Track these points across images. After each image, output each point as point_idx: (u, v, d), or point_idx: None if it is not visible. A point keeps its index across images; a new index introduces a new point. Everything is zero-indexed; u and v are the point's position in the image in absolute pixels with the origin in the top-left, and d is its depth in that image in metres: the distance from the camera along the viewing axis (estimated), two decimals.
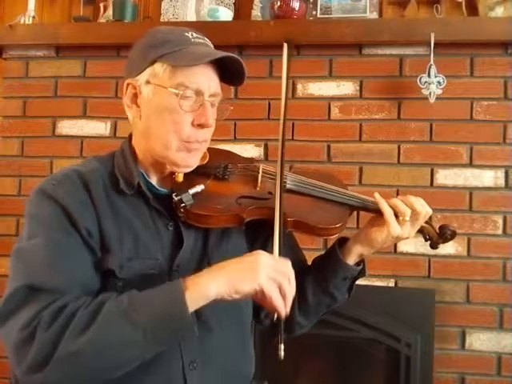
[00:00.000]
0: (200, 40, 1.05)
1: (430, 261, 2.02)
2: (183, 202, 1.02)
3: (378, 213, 1.12)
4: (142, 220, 1.04)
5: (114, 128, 2.22)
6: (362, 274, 1.18)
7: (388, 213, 1.09)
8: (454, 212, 2.03)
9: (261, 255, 0.92)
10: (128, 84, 1.05)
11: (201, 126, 1.03)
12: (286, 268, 0.93)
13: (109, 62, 2.22)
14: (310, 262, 1.26)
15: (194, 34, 1.05)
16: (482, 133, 2.03)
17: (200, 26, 2.12)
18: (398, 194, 2.05)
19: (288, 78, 1.09)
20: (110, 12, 2.26)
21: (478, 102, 2.04)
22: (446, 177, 2.05)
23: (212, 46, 1.09)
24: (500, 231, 2.01)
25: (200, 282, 0.89)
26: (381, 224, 1.11)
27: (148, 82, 1.02)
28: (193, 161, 1.07)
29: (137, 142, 1.09)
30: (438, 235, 1.17)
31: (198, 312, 1.03)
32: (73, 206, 0.98)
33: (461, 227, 2.02)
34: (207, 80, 1.03)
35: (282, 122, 1.09)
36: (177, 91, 1.00)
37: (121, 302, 0.89)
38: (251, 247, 1.16)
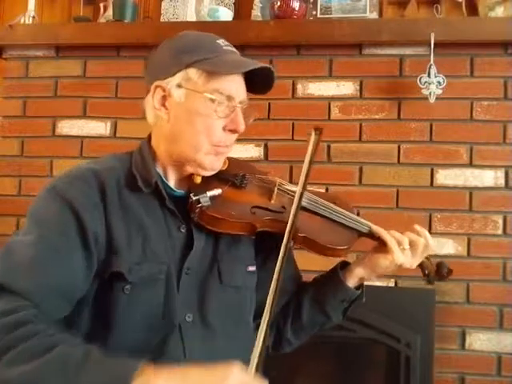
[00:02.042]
0: (230, 48, 1.08)
1: (429, 261, 2.02)
2: (200, 203, 1.03)
3: (383, 242, 1.15)
4: (155, 220, 1.04)
5: (114, 128, 2.22)
6: (360, 298, 1.19)
7: (391, 241, 1.12)
8: (453, 212, 2.03)
9: (234, 372, 0.79)
10: (157, 86, 1.05)
11: (233, 131, 1.06)
12: None
13: (109, 61, 2.22)
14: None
15: (225, 42, 1.08)
16: (482, 133, 2.03)
17: (200, 26, 2.13)
18: (398, 194, 2.05)
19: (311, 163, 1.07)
20: (110, 12, 2.26)
21: (478, 102, 2.04)
22: (445, 177, 2.05)
23: (239, 53, 1.11)
24: (500, 231, 2.01)
25: (149, 381, 0.79)
26: (385, 251, 1.13)
27: (180, 86, 1.03)
28: (218, 164, 1.10)
29: (158, 144, 1.10)
30: (435, 272, 1.21)
31: (202, 314, 1.04)
32: (83, 207, 0.98)
33: (461, 227, 2.02)
34: (239, 87, 1.06)
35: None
36: (213, 97, 1.02)
37: (74, 355, 0.82)
38: (255, 257, 1.17)
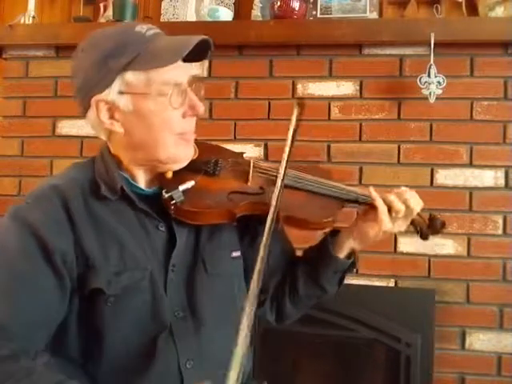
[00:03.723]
0: (153, 31, 1.00)
1: (430, 261, 2.02)
2: (173, 199, 1.00)
3: (370, 206, 1.13)
4: (129, 225, 1.01)
5: None
6: (352, 267, 1.18)
7: (382, 211, 1.10)
8: (453, 212, 2.03)
9: None
10: (97, 101, 0.98)
11: (194, 115, 1.02)
12: None
13: None
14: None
15: (145, 26, 0.99)
16: (482, 133, 2.03)
17: (200, 26, 2.13)
18: None
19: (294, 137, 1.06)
20: (110, 12, 2.26)
21: (478, 102, 2.04)
22: (445, 177, 2.05)
23: (163, 33, 1.03)
24: (500, 231, 2.01)
25: None
26: (373, 219, 1.11)
27: (121, 93, 0.97)
28: (191, 151, 1.06)
29: (119, 153, 1.05)
30: (427, 226, 1.19)
31: (193, 308, 1.04)
32: (45, 228, 0.94)
33: (461, 227, 2.02)
34: (181, 70, 0.99)
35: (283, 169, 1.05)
36: (162, 93, 0.97)
37: None
38: (240, 242, 1.16)
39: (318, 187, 1.13)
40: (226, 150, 1.20)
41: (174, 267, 1.03)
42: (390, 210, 1.10)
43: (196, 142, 1.09)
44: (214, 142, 1.20)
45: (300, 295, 1.19)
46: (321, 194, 1.13)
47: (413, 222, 1.17)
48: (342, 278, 1.19)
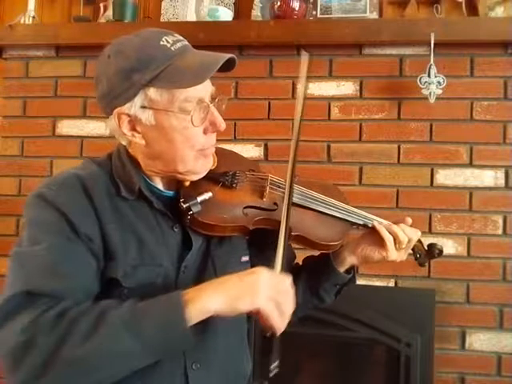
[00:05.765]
0: (178, 44, 0.99)
1: (429, 261, 2.02)
2: (191, 210, 1.01)
3: (376, 234, 1.16)
4: (147, 223, 1.02)
5: None
6: (351, 281, 1.21)
7: (390, 242, 1.13)
8: (454, 212, 2.03)
9: (261, 274, 0.91)
10: (119, 114, 0.99)
11: (215, 131, 1.04)
12: (286, 286, 0.93)
13: None
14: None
15: (170, 39, 0.99)
16: (482, 133, 2.03)
17: (200, 26, 2.13)
18: (398, 194, 2.05)
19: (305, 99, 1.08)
20: (110, 12, 2.26)
21: (478, 102, 2.04)
22: (446, 177, 2.05)
23: (187, 42, 1.03)
24: (500, 231, 2.01)
25: (201, 298, 0.87)
26: (378, 244, 1.15)
27: (144, 107, 0.98)
28: (210, 164, 1.08)
29: (138, 158, 1.06)
30: (426, 253, 1.23)
31: None
32: (73, 213, 0.95)
33: (461, 227, 2.02)
34: (203, 87, 1.00)
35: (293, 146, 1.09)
36: (184, 111, 0.97)
37: (123, 312, 0.86)
38: (248, 248, 1.16)
39: (330, 209, 1.16)
40: (242, 158, 1.23)
41: (185, 268, 1.04)
42: (394, 240, 1.15)
43: (215, 149, 1.10)
44: None
45: (297, 303, 1.20)
46: (332, 215, 1.15)
47: (413, 250, 1.21)
48: (340, 290, 1.22)
